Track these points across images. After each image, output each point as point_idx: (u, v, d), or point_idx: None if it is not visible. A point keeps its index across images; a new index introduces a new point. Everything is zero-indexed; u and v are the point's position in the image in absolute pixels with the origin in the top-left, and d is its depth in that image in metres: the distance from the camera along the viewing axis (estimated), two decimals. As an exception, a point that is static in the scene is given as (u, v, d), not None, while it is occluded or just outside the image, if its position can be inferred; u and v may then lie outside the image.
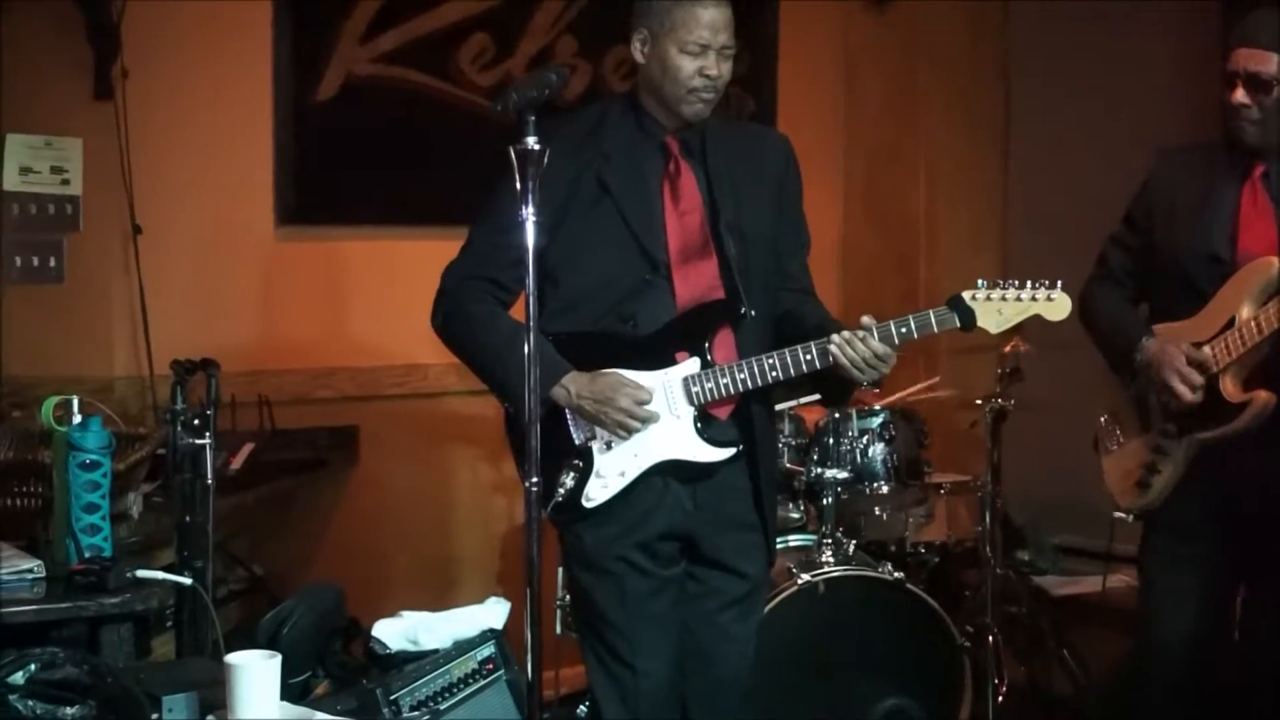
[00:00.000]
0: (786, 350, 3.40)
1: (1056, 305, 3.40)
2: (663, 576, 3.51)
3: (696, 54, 3.40)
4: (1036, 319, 3.41)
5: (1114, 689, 4.71)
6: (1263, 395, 3.62)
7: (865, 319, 3.37)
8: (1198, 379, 3.69)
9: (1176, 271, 3.80)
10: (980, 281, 3.38)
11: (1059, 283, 3.40)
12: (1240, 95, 3.69)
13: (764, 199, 3.57)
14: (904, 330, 3.36)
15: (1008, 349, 4.96)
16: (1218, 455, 3.71)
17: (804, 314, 3.57)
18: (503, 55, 5.39)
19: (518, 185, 2.90)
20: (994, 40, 6.46)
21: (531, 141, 2.89)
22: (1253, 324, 3.60)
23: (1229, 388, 3.67)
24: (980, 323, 3.38)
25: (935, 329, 3.38)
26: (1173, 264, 3.81)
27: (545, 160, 2.91)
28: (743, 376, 3.41)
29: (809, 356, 3.38)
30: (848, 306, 5.68)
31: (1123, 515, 3.97)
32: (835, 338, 3.35)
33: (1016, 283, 3.38)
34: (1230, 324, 3.66)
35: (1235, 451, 3.67)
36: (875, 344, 3.33)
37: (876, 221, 6.37)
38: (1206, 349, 3.68)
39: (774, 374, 3.40)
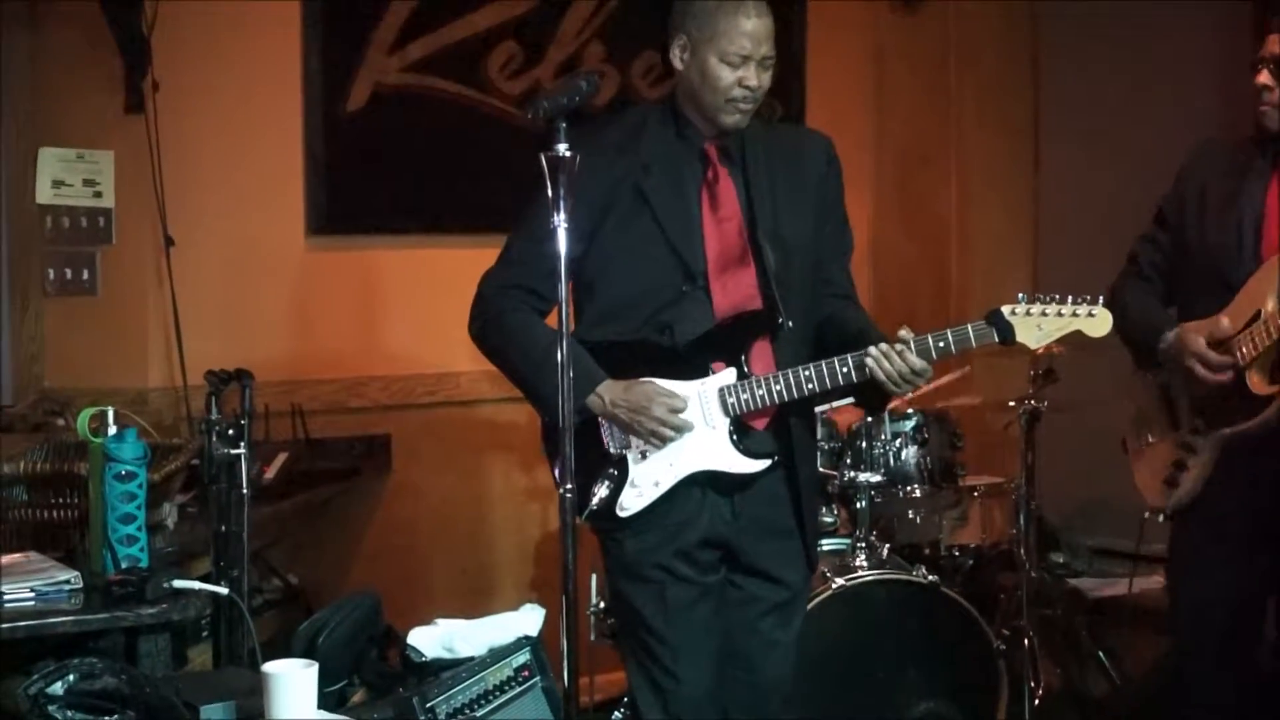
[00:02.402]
0: (823, 362, 3.38)
1: (1098, 322, 3.37)
2: (704, 584, 3.51)
3: (737, 65, 3.38)
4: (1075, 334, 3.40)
5: (1150, 691, 4.70)
6: None
7: (903, 332, 3.34)
8: (1216, 358, 3.66)
9: (1207, 266, 3.79)
10: (1020, 296, 3.35)
11: (1100, 299, 3.38)
12: (1264, 78, 3.69)
13: (804, 204, 3.55)
14: (941, 345, 3.33)
15: (1041, 351, 4.94)
16: (1247, 451, 3.69)
17: (845, 320, 3.56)
18: (531, 63, 5.39)
19: (549, 192, 2.90)
20: (1025, 41, 6.45)
21: (563, 148, 2.89)
22: (1278, 317, 3.58)
23: (1256, 381, 3.65)
24: (1020, 338, 3.35)
25: (974, 344, 3.35)
26: (1203, 259, 3.80)
27: (578, 167, 2.91)
28: (779, 388, 3.40)
29: (845, 369, 3.36)
30: (879, 310, 5.67)
31: (1154, 515, 3.95)
32: (872, 350, 3.32)
33: (1057, 298, 3.35)
34: (1256, 317, 3.63)
35: (1264, 447, 3.65)
36: (913, 359, 3.31)
37: (908, 224, 6.36)
38: (1236, 340, 3.66)
39: (810, 386, 3.39)
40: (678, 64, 3.48)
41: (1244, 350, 3.64)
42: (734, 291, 3.47)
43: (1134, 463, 4.01)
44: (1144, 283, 3.97)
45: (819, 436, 4.83)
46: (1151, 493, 3.93)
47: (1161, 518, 3.93)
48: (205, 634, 3.76)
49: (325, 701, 3.00)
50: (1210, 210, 3.81)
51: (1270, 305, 3.61)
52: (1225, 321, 3.67)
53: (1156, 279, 3.96)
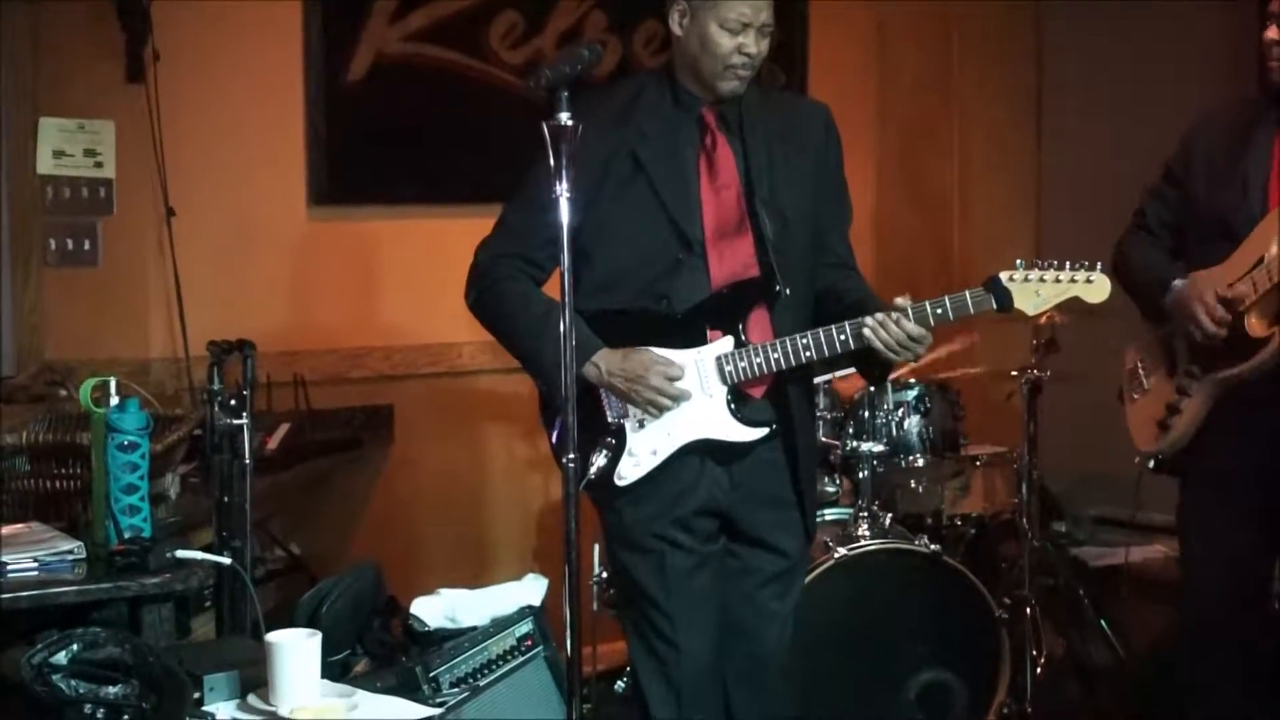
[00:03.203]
0: (821, 330, 3.37)
1: (1096, 287, 3.36)
2: (702, 553, 3.50)
3: (737, 31, 3.36)
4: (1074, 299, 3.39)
5: (1154, 659, 4.70)
6: None
7: (900, 300, 3.33)
8: (1222, 313, 3.66)
9: (1214, 224, 3.78)
10: (1018, 262, 3.34)
11: (1098, 264, 3.36)
12: (1274, 33, 3.69)
13: (803, 172, 3.53)
14: (939, 312, 3.32)
15: (1043, 320, 4.94)
16: (1244, 400, 3.69)
17: (843, 290, 3.54)
18: (533, 32, 5.37)
19: (551, 161, 2.89)
20: (1027, 10, 6.44)
21: (565, 117, 2.88)
22: (1279, 260, 3.58)
23: (1254, 324, 3.65)
24: (1017, 304, 3.34)
25: (971, 311, 3.34)
26: (1212, 217, 3.80)
27: (579, 136, 2.90)
28: (776, 356, 3.39)
29: (843, 337, 3.36)
30: (882, 280, 5.64)
31: (1144, 461, 3.95)
32: (869, 320, 3.32)
33: (1055, 263, 3.34)
34: (1260, 262, 3.63)
35: (1261, 396, 3.65)
36: (910, 326, 3.31)
37: (910, 194, 6.35)
38: (1237, 286, 3.66)
39: (808, 354, 3.38)
40: (676, 30, 3.46)
41: (1245, 293, 3.64)
42: (731, 260, 3.46)
43: (1129, 410, 4.01)
44: (1150, 237, 3.97)
45: (821, 406, 4.84)
46: (1143, 437, 3.93)
47: (1152, 463, 3.93)
48: (208, 604, 3.76)
49: (329, 671, 3.00)
50: (1217, 169, 3.80)
51: (1274, 249, 3.60)
52: (1243, 287, 3.67)
53: (1164, 234, 3.96)
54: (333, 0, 5.04)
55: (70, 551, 3.26)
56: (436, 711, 3.03)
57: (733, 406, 3.44)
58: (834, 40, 6.09)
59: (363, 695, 2.91)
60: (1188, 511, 3.94)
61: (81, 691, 2.73)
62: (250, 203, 4.96)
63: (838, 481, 4.92)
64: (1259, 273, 3.62)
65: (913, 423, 4.93)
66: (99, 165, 4.74)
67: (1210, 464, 3.80)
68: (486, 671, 3.45)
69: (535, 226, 3.37)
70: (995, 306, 3.34)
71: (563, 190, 2.91)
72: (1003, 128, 6.44)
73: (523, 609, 3.63)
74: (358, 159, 5.12)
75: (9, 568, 3.16)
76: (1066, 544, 5.80)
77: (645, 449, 3.44)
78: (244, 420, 3.65)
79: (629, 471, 3.44)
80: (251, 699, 2.84)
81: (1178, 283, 3.79)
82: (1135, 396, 4.01)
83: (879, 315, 3.32)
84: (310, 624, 3.36)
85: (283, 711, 2.76)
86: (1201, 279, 3.75)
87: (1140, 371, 4.00)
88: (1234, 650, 3.83)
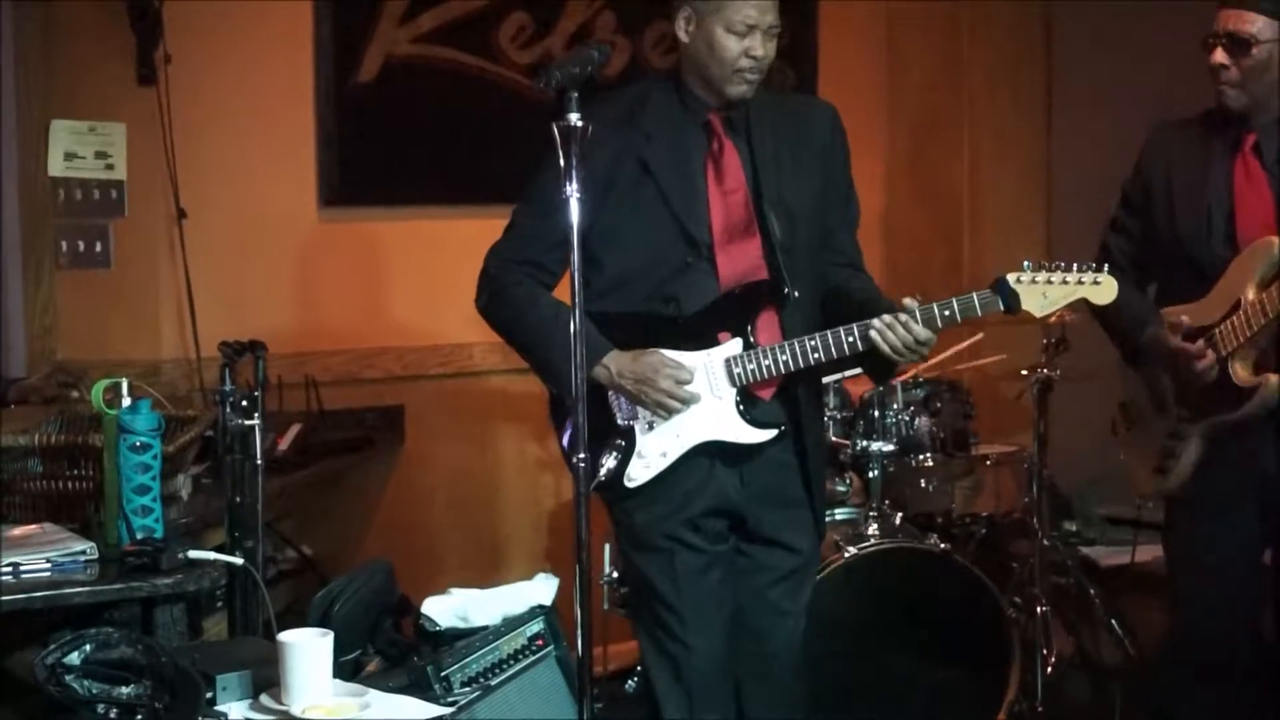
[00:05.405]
0: (829, 332, 3.38)
1: (1103, 289, 3.36)
2: (712, 553, 3.52)
3: (743, 34, 3.37)
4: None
5: (1163, 660, 4.69)
6: (1273, 379, 3.59)
7: (908, 301, 3.34)
8: (1193, 347, 3.65)
9: (1179, 253, 3.77)
10: (1025, 263, 3.34)
11: (1105, 266, 3.37)
12: (1220, 56, 3.67)
13: (810, 173, 3.54)
14: (947, 314, 3.33)
15: (1053, 319, 4.93)
16: (1236, 437, 3.68)
17: (851, 290, 3.55)
18: (542, 33, 5.38)
19: (561, 161, 2.90)
20: (1036, 7, 6.42)
21: (574, 118, 2.88)
22: (1257, 306, 3.56)
23: (1239, 372, 3.64)
24: (1025, 306, 3.34)
25: (979, 312, 3.35)
26: (1174, 246, 3.78)
27: (588, 137, 2.91)
28: (784, 358, 3.40)
29: (851, 339, 3.36)
30: (892, 279, 5.66)
31: (1144, 501, 3.96)
32: (876, 322, 3.32)
33: (1063, 265, 3.34)
34: (1236, 307, 3.62)
35: (1252, 434, 3.64)
36: (917, 329, 3.31)
37: (920, 193, 6.34)
38: (1217, 331, 3.64)
39: (815, 355, 3.38)
40: (683, 36, 3.46)
41: (1225, 341, 3.63)
42: (739, 262, 3.47)
43: (1123, 450, 4.02)
44: (1119, 273, 3.95)
45: (831, 405, 4.84)
46: (1141, 481, 3.94)
47: (1151, 504, 3.94)
48: (220, 604, 3.77)
49: (340, 670, 3.01)
50: (1178, 197, 3.78)
51: (1250, 294, 3.59)
52: (1186, 318, 3.67)
53: (1129, 268, 3.91)
54: (343, 2, 5.05)
55: (83, 552, 3.26)
56: (448, 711, 3.04)
57: (741, 408, 3.45)
58: (843, 39, 6.09)
59: (374, 694, 2.92)
60: (1175, 528, 3.94)
61: (95, 692, 2.74)
62: (261, 204, 4.98)
63: (848, 481, 4.92)
64: (1237, 319, 3.61)
65: (923, 422, 4.92)
66: (110, 167, 4.75)
67: (1197, 488, 3.79)
68: (498, 671, 3.45)
69: (543, 230, 3.38)
70: (1003, 308, 3.34)
71: (573, 191, 2.91)
72: (1012, 126, 6.43)
73: (534, 608, 3.63)
74: (368, 160, 5.13)
75: (22, 568, 3.17)
76: (1077, 543, 5.79)
77: (655, 451, 3.45)
78: (255, 421, 3.65)
79: (638, 473, 3.45)
80: (264, 699, 2.85)
81: (1150, 329, 3.78)
82: (1129, 436, 4.00)
83: (886, 318, 3.33)
84: (322, 623, 3.36)
85: (295, 711, 2.77)
86: (1167, 320, 3.74)
87: (1130, 413, 4.00)
88: (1233, 653, 3.82)
